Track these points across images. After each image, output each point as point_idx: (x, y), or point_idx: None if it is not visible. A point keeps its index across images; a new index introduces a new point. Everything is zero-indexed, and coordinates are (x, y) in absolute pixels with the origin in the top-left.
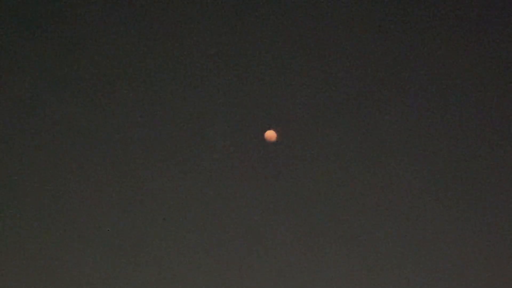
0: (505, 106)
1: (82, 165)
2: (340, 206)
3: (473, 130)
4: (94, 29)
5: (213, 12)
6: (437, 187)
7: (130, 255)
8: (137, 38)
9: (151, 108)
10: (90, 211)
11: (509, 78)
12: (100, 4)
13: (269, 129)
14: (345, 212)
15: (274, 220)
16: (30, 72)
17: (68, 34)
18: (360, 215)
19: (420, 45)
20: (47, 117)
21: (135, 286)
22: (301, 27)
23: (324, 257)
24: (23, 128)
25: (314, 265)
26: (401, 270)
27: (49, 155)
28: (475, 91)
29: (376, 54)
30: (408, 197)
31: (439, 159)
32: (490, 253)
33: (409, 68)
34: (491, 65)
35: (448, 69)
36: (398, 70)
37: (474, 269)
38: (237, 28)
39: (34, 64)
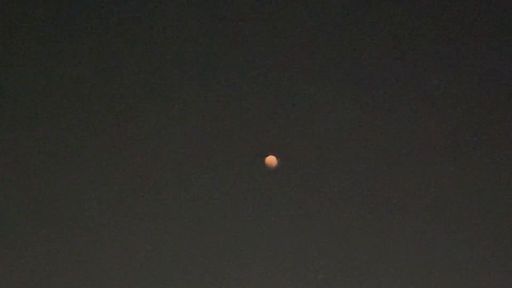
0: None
1: (82, 165)
2: (343, 229)
3: (472, 131)
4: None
5: (213, 27)
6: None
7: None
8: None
9: (150, 125)
10: (89, 211)
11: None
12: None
13: (270, 154)
14: (347, 236)
15: (275, 245)
16: (30, 71)
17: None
18: (362, 239)
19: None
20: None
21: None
22: (304, 51)
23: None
24: (23, 128)
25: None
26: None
27: (48, 154)
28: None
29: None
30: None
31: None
32: (490, 254)
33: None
34: (491, 65)
35: (447, 71)
36: (399, 93)
37: (473, 269)
38: (239, 45)
39: (34, 63)
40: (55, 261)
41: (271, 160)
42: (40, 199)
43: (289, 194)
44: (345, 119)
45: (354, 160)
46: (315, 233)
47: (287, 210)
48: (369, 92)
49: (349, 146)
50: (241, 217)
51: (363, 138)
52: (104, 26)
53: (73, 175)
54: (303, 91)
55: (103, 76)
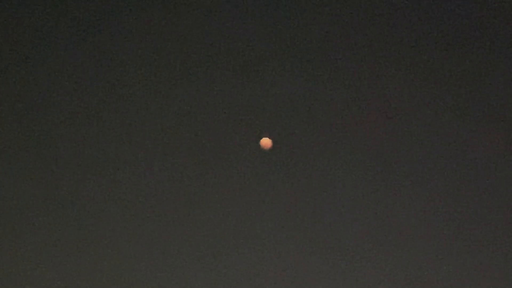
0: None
1: (82, 165)
2: (336, 211)
3: (472, 133)
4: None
5: (211, 16)
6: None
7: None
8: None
9: (147, 111)
10: (90, 212)
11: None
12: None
13: (264, 136)
14: (341, 218)
15: (270, 227)
16: (31, 71)
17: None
18: (355, 221)
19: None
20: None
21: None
22: (299, 34)
23: (321, 264)
24: (24, 128)
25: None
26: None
27: (49, 154)
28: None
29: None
30: (406, 202)
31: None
32: (489, 254)
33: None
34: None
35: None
36: (394, 75)
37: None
38: (236, 33)
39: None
40: (54, 261)
41: (266, 142)
42: (39, 199)
43: (283, 176)
44: (340, 105)
45: (349, 142)
46: (308, 215)
47: (281, 191)
48: (365, 83)
49: (344, 130)
50: (236, 197)
51: (359, 123)
52: (103, 26)
53: (73, 174)
54: (298, 78)
55: (100, 73)
